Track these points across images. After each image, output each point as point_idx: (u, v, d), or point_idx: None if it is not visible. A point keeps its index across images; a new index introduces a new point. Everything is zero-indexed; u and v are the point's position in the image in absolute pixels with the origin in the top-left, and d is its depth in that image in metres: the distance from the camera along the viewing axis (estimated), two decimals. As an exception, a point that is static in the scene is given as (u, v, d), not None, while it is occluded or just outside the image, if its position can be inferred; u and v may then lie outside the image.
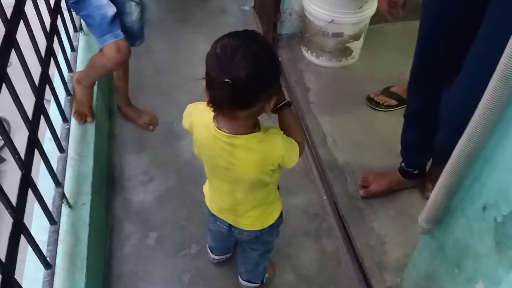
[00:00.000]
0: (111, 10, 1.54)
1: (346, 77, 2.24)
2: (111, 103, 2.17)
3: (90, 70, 1.72)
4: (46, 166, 1.34)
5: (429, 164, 1.69)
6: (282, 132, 1.03)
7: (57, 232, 1.28)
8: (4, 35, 1.16)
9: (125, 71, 1.99)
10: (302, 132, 1.10)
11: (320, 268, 1.57)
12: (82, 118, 1.76)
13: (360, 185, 1.73)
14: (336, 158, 1.87)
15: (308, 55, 2.36)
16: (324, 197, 1.79)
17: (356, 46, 2.27)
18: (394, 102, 2.05)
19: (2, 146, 3.17)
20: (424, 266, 1.22)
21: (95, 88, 1.93)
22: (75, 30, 2.08)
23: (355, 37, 2.20)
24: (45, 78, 1.42)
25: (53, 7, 1.67)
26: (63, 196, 1.39)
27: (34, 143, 1.24)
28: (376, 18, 2.16)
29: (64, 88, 1.72)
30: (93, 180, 1.57)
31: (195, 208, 1.72)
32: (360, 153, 1.89)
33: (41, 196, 1.21)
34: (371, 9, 2.10)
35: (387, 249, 1.57)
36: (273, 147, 1.00)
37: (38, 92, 1.35)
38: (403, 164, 1.67)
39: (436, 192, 1.00)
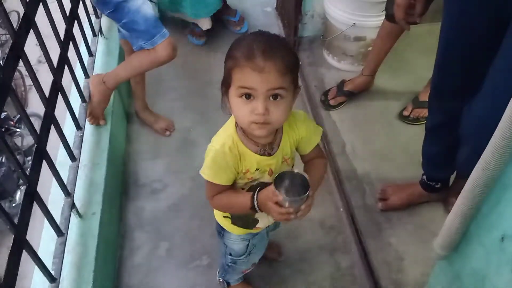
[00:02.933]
0: (148, 7, 1.54)
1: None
2: (129, 108, 2.17)
3: (132, 70, 1.72)
4: (55, 177, 1.33)
5: (453, 176, 1.60)
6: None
7: (64, 244, 1.27)
8: (11, 46, 1.16)
9: (142, 75, 1.98)
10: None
11: (334, 285, 1.51)
12: (95, 121, 1.77)
13: (379, 197, 1.66)
14: (355, 168, 1.80)
15: (330, 59, 2.29)
16: (341, 209, 1.73)
17: (380, 50, 2.18)
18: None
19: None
20: (441, 291, 1.15)
21: (113, 92, 1.94)
22: (94, 34, 2.08)
23: (378, 41, 2.11)
24: (57, 89, 1.42)
25: (69, 14, 1.67)
26: (72, 206, 1.39)
27: (41, 154, 1.24)
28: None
29: (79, 95, 1.72)
30: (105, 188, 1.57)
31: (208, 218, 1.68)
32: (380, 163, 1.82)
33: (47, 209, 1.21)
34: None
35: (405, 266, 1.50)
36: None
37: (48, 102, 1.35)
38: (424, 177, 1.59)
39: (452, 218, 0.93)
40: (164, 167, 1.91)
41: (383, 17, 2.00)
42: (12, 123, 3.77)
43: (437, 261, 1.13)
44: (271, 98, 0.86)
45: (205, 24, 2.44)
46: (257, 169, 0.99)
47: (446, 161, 1.48)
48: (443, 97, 1.33)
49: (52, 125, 1.34)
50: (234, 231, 1.18)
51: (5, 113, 3.73)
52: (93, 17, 2.08)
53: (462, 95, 1.23)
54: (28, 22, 1.27)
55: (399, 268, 1.49)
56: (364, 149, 1.86)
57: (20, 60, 1.20)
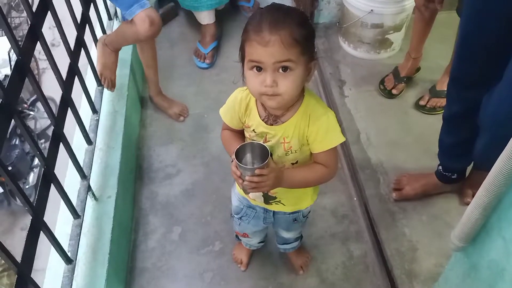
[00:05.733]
0: None
1: (385, 70, 2.12)
2: (143, 92, 2.17)
3: (120, 38, 1.69)
4: (72, 160, 1.34)
5: (469, 168, 1.58)
6: None
7: (80, 226, 1.28)
8: (29, 29, 1.16)
9: (154, 58, 1.96)
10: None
11: (346, 273, 1.51)
12: (107, 83, 1.74)
13: (393, 187, 1.65)
14: (369, 157, 1.78)
15: (345, 46, 2.26)
16: (355, 198, 1.72)
17: (397, 38, 2.15)
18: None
19: (50, 125, 3.27)
20: (456, 282, 1.14)
21: (127, 77, 1.94)
22: (110, 18, 2.08)
23: (396, 28, 2.08)
24: (73, 72, 1.41)
25: (85, -3, 1.66)
26: (88, 189, 1.40)
27: (59, 137, 1.25)
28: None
29: (95, 79, 1.72)
30: (120, 172, 1.58)
31: (220, 203, 1.69)
32: (395, 152, 1.80)
33: (64, 191, 1.22)
34: (414, -2, 1.97)
35: (419, 256, 1.49)
36: None
37: (65, 85, 1.35)
38: (440, 167, 1.57)
39: (471, 209, 0.91)
40: (178, 152, 1.91)
41: (403, 3, 1.98)
42: (25, 105, 3.81)
43: (454, 252, 1.12)
44: (280, 70, 0.89)
45: (205, 18, 2.29)
46: (254, 130, 1.03)
47: (463, 151, 1.46)
48: (462, 86, 1.31)
49: (68, 108, 1.35)
50: (237, 187, 1.23)
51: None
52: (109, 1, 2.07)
53: (482, 85, 1.20)
54: (45, 4, 1.27)
55: (413, 258, 1.48)
56: (379, 138, 1.84)
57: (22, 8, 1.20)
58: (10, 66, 3.05)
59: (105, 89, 1.75)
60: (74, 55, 1.44)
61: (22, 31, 3.62)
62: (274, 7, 0.92)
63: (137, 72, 2.12)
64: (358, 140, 1.85)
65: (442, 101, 1.90)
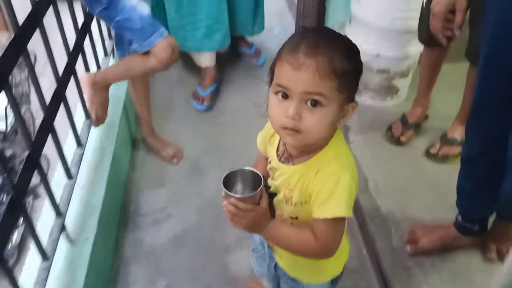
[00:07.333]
0: (144, 7, 1.42)
1: (391, 118, 2.02)
2: (135, 133, 2.04)
3: (127, 72, 1.59)
4: (47, 193, 1.19)
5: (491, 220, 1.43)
6: None
7: (48, 269, 1.10)
8: (12, 43, 1.05)
9: (146, 96, 1.86)
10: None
11: (356, 337, 1.31)
12: (100, 122, 1.64)
13: (408, 240, 1.48)
14: (379, 206, 1.63)
15: (350, 93, 2.18)
16: (364, 251, 1.55)
17: (403, 85, 2.07)
18: (458, 149, 1.76)
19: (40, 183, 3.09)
20: None
21: (119, 114, 1.83)
22: (106, 54, 2.00)
23: (403, 75, 2.01)
24: (59, 98, 1.30)
25: (81, 27, 1.59)
26: (62, 228, 1.23)
27: (34, 164, 1.10)
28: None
29: (84, 111, 1.61)
30: (102, 213, 1.41)
31: (213, 254, 1.51)
32: (406, 201, 1.65)
33: (33, 227, 1.05)
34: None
35: (440, 319, 1.29)
36: None
37: (48, 110, 1.23)
38: (459, 217, 1.41)
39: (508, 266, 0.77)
40: (169, 196, 1.75)
41: (410, 48, 1.93)
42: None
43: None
44: (309, 103, 0.74)
45: (206, 60, 2.24)
46: (270, 162, 0.92)
47: (485, 197, 1.31)
48: (486, 121, 1.18)
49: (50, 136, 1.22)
50: None
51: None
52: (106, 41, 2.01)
53: (507, 119, 1.09)
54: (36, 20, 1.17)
55: (433, 321, 1.29)
56: (388, 186, 1.70)
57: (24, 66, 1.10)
58: (6, 122, 2.79)
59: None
60: (62, 82, 1.34)
61: (22, 88, 3.43)
62: (322, 28, 0.81)
63: (130, 112, 2.01)
64: (366, 187, 1.70)
65: (455, 149, 1.78)
